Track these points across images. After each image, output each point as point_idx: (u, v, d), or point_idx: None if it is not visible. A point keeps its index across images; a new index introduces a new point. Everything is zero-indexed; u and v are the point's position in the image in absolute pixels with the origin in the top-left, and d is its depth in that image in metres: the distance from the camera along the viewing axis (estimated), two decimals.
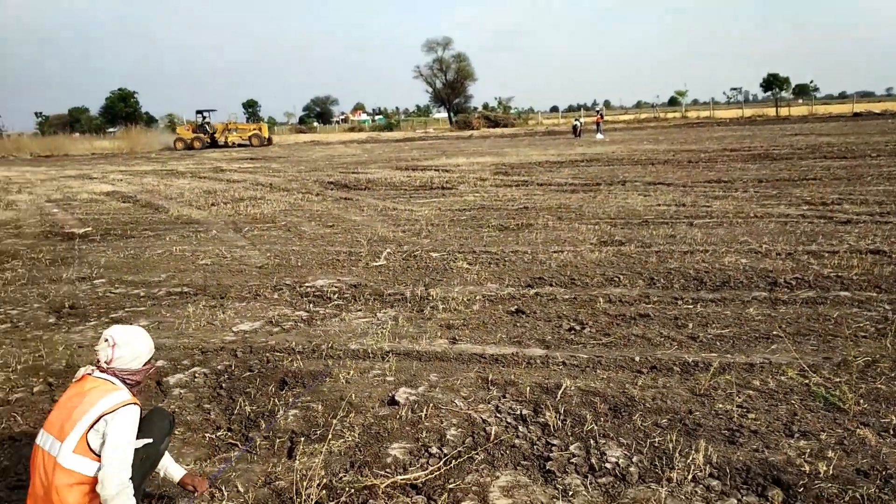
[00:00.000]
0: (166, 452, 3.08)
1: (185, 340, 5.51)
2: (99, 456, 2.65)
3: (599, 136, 36.96)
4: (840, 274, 6.51)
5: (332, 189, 17.10)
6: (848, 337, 4.87)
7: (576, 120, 42.26)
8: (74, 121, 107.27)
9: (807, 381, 4.12)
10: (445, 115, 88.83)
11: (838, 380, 4.11)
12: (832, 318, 5.29)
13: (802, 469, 3.16)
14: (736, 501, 2.97)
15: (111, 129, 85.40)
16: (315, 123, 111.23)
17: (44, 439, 2.73)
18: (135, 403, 2.78)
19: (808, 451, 3.32)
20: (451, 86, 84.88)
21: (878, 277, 6.34)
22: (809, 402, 3.88)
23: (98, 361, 2.89)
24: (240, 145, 49.82)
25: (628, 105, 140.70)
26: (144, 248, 9.96)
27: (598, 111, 47.02)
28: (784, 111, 56.56)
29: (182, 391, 4.49)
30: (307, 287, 7.16)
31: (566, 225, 10.12)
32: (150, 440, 2.85)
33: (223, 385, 4.57)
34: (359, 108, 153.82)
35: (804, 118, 47.95)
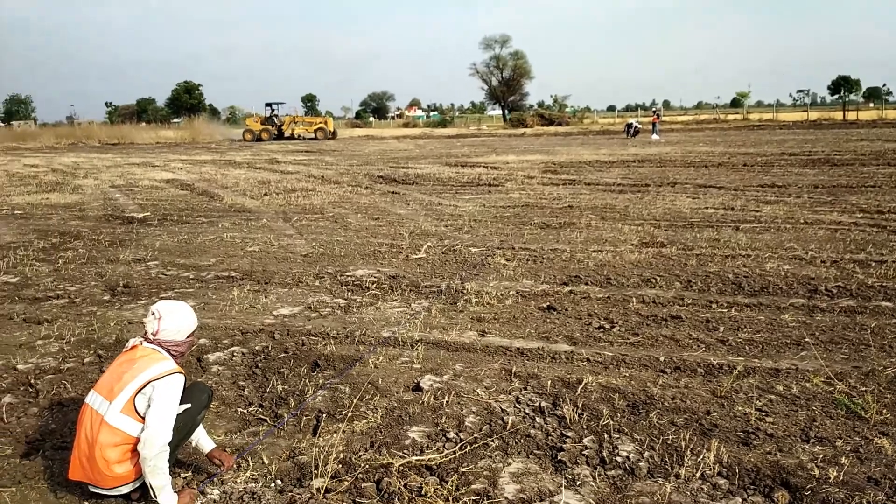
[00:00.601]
0: (200, 424, 3.31)
1: (228, 321, 5.80)
2: (143, 418, 2.90)
3: (655, 136, 36.32)
4: (885, 284, 6.34)
5: (380, 183, 17.41)
6: (881, 347, 4.78)
7: (631, 120, 41.57)
8: (142, 111, 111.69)
9: (831, 389, 4.08)
10: (500, 112, 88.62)
11: (864, 389, 4.06)
12: (869, 328, 5.18)
13: (812, 473, 3.16)
14: (741, 501, 3.00)
15: (176, 120, 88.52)
16: (370, 118, 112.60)
17: (93, 399, 2.99)
18: (180, 373, 3.02)
19: (822, 456, 3.32)
20: (506, 83, 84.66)
21: None
22: (831, 409, 3.85)
23: (146, 333, 3.14)
24: (306, 138, 50.85)
25: (688, 105, 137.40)
26: (197, 233, 10.41)
27: (655, 111, 46.15)
28: (852, 115, 54.31)
29: (220, 368, 4.75)
30: (347, 276, 7.39)
31: (609, 225, 10.09)
32: (189, 409, 3.08)
33: (259, 364, 4.82)
34: (414, 104, 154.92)
35: (873, 123, 45.94)
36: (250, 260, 8.45)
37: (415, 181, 17.36)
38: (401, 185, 16.68)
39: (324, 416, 3.95)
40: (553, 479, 3.21)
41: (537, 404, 4.02)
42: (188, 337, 3.21)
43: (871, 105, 76.01)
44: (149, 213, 12.72)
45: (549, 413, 3.91)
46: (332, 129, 51.79)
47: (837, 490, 3.02)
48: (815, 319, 5.47)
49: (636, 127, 38.74)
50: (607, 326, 5.45)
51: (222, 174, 21.07)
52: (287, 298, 6.62)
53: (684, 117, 68.84)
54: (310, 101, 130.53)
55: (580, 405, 3.96)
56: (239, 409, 4.09)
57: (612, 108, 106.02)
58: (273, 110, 53.64)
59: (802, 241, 8.45)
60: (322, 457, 3.40)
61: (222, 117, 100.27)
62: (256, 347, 5.15)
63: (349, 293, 6.75)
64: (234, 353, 5.02)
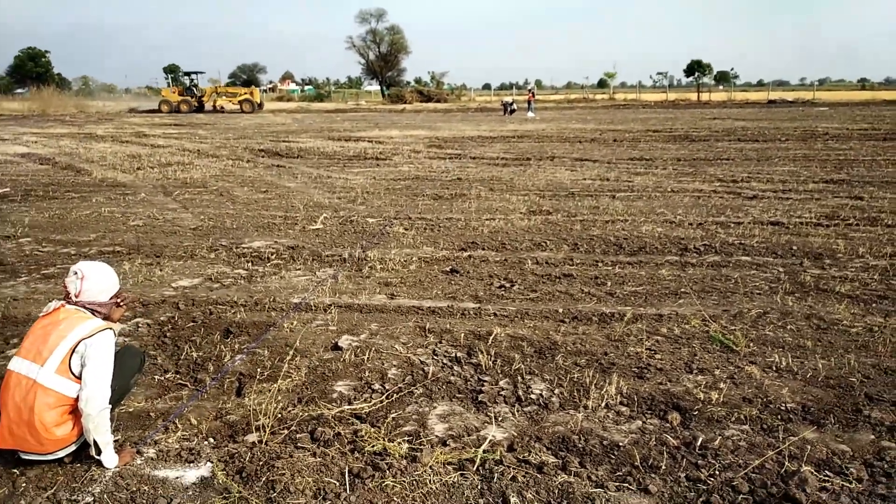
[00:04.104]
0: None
1: (126, 294, 5.57)
2: (79, 378, 2.82)
3: (531, 114, 37.68)
4: (743, 242, 7.16)
5: (263, 157, 16.92)
6: (745, 293, 5.47)
7: (507, 98, 42.78)
8: None
9: (706, 329, 4.65)
10: (377, 87, 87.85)
11: (733, 328, 4.66)
12: (733, 279, 5.88)
13: (698, 397, 3.64)
14: (641, 423, 3.42)
15: (20, 90, 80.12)
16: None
17: (19, 365, 2.86)
18: (110, 329, 2.95)
19: (704, 383, 3.82)
20: (384, 58, 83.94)
21: (775, 245, 7.02)
22: (708, 345, 4.40)
23: (67, 295, 3.03)
24: (231, 111, 47.44)
25: (559, 85, 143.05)
26: (70, 209, 9.72)
27: (529, 90, 47.77)
28: (705, 96, 59.03)
29: (126, 339, 4.60)
30: (244, 248, 7.27)
31: (498, 195, 10.52)
32: (122, 370, 3.03)
33: (167, 334, 4.71)
34: (287, 77, 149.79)
35: (723, 104, 50.24)
36: (135, 234, 8.05)
37: (299, 155, 17.03)
38: (285, 159, 16.32)
39: (246, 378, 3.97)
40: (477, 417, 3.48)
41: (453, 355, 4.27)
42: (111, 298, 3.13)
43: (721, 87, 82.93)
44: (8, 189, 11.66)
45: (466, 362, 4.17)
46: (259, 101, 48.42)
47: (719, 409, 3.51)
48: (688, 273, 6.12)
49: (512, 105, 39.97)
50: (508, 285, 5.80)
51: (84, 148, 19.56)
52: (184, 271, 6.43)
53: (556, 96, 71.75)
54: (172, 72, 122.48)
55: (493, 353, 4.25)
56: (156, 377, 4.02)
57: (487, 87, 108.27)
58: (192, 80, 49.82)
59: (671, 207, 9.29)
60: (252, 413, 3.45)
61: (73, 88, 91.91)
62: (161, 318, 5.02)
63: (249, 264, 6.66)
64: (139, 325, 4.87)
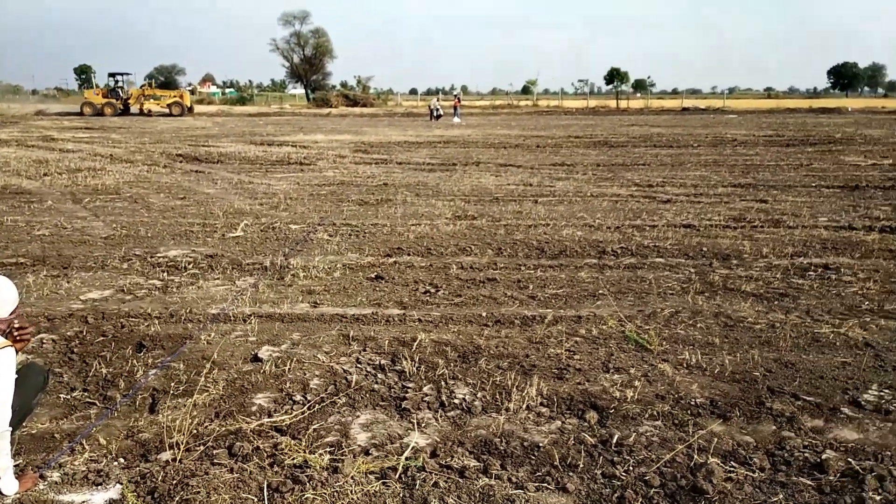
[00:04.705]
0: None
1: (28, 309, 5.26)
2: None
3: (456, 119, 38.04)
4: (657, 244, 7.46)
5: (181, 162, 16.36)
6: (658, 294, 5.70)
7: (434, 103, 42.98)
8: None
9: (623, 329, 4.81)
10: (302, 91, 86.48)
11: (648, 327, 4.85)
12: (647, 280, 6.12)
13: (614, 395, 3.77)
14: (560, 423, 3.50)
15: None
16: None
17: None
18: (10, 346, 2.76)
19: (620, 382, 3.95)
20: (308, 62, 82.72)
21: (687, 247, 7.35)
22: (624, 345, 4.56)
23: None
24: (159, 114, 44.93)
25: (484, 91, 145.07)
26: None
27: (455, 95, 48.23)
28: (624, 104, 61.18)
29: (29, 357, 4.34)
30: (159, 257, 7.00)
31: (423, 201, 10.55)
32: (24, 389, 2.84)
33: (75, 350, 4.47)
34: (208, 79, 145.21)
35: (640, 111, 52.23)
36: (40, 244, 7.62)
37: (219, 160, 16.56)
38: (204, 164, 15.83)
39: (160, 393, 3.82)
40: (400, 425, 3.47)
41: (377, 363, 4.25)
42: (11, 314, 2.94)
43: (639, 95, 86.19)
44: None
45: (390, 369, 4.16)
46: (189, 104, 46.01)
47: (634, 406, 3.64)
48: (606, 275, 6.32)
49: (439, 110, 40.22)
50: (433, 291, 5.82)
51: None
52: (93, 282, 6.13)
53: (481, 102, 72.68)
54: (84, 73, 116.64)
55: (417, 360, 4.26)
56: (61, 396, 3.80)
57: (414, 92, 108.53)
58: (118, 82, 47.12)
59: (590, 212, 9.57)
60: (166, 430, 3.32)
61: None
62: (68, 333, 4.76)
63: (164, 274, 6.42)
64: (44, 341, 4.60)
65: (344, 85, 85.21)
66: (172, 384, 3.93)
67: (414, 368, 4.13)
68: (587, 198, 10.82)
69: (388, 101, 71.12)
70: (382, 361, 4.26)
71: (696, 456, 3.15)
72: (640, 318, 5.08)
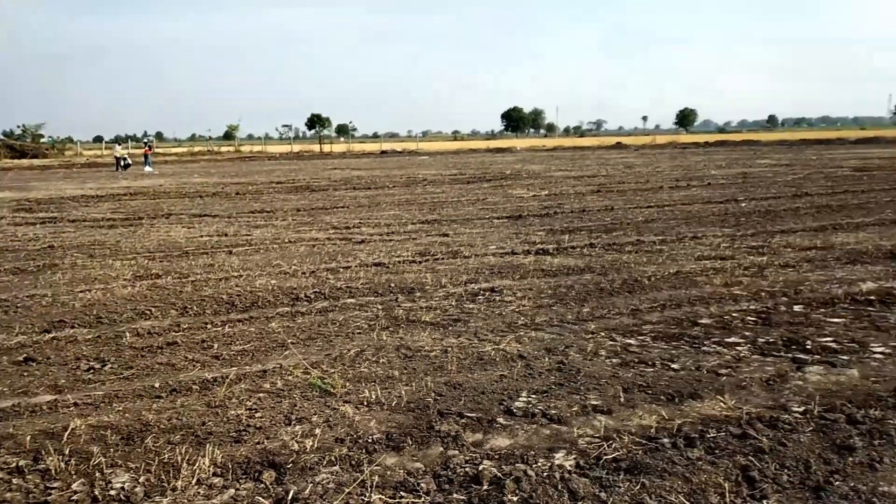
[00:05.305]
0: None
1: None
2: None
3: (148, 168, 35.25)
4: (350, 285, 7.67)
5: None
6: (347, 335, 5.81)
7: (120, 152, 39.16)
8: None
9: (308, 377, 4.78)
10: None
11: (333, 370, 4.89)
12: (338, 322, 6.22)
13: (293, 449, 3.69)
14: (234, 491, 3.30)
15: None
16: None
17: None
18: None
19: (301, 432, 3.89)
20: None
21: (377, 284, 7.68)
22: (308, 393, 4.52)
23: None
24: None
25: (182, 137, 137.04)
26: None
27: (146, 142, 44.70)
28: (327, 148, 62.93)
29: None
30: None
31: (98, 262, 9.43)
32: None
33: None
34: None
35: (343, 154, 54.22)
36: None
37: None
38: None
39: None
40: None
41: (14, 465, 3.57)
42: None
43: (342, 139, 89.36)
44: None
45: (31, 470, 3.53)
46: None
47: (313, 455, 3.59)
48: (297, 322, 6.27)
49: (127, 160, 36.83)
50: (98, 367, 5.15)
51: None
52: None
53: (179, 149, 68.57)
54: None
55: (67, 452, 3.68)
56: None
57: (99, 139, 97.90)
58: None
59: (287, 258, 9.50)
60: None
61: None
62: None
63: None
64: None
65: (8, 134, 73.31)
66: None
67: (62, 464, 3.56)
68: (284, 244, 10.74)
69: (65, 151, 63.05)
70: (21, 462, 3.60)
71: (369, 493, 3.20)
72: (327, 362, 5.11)
